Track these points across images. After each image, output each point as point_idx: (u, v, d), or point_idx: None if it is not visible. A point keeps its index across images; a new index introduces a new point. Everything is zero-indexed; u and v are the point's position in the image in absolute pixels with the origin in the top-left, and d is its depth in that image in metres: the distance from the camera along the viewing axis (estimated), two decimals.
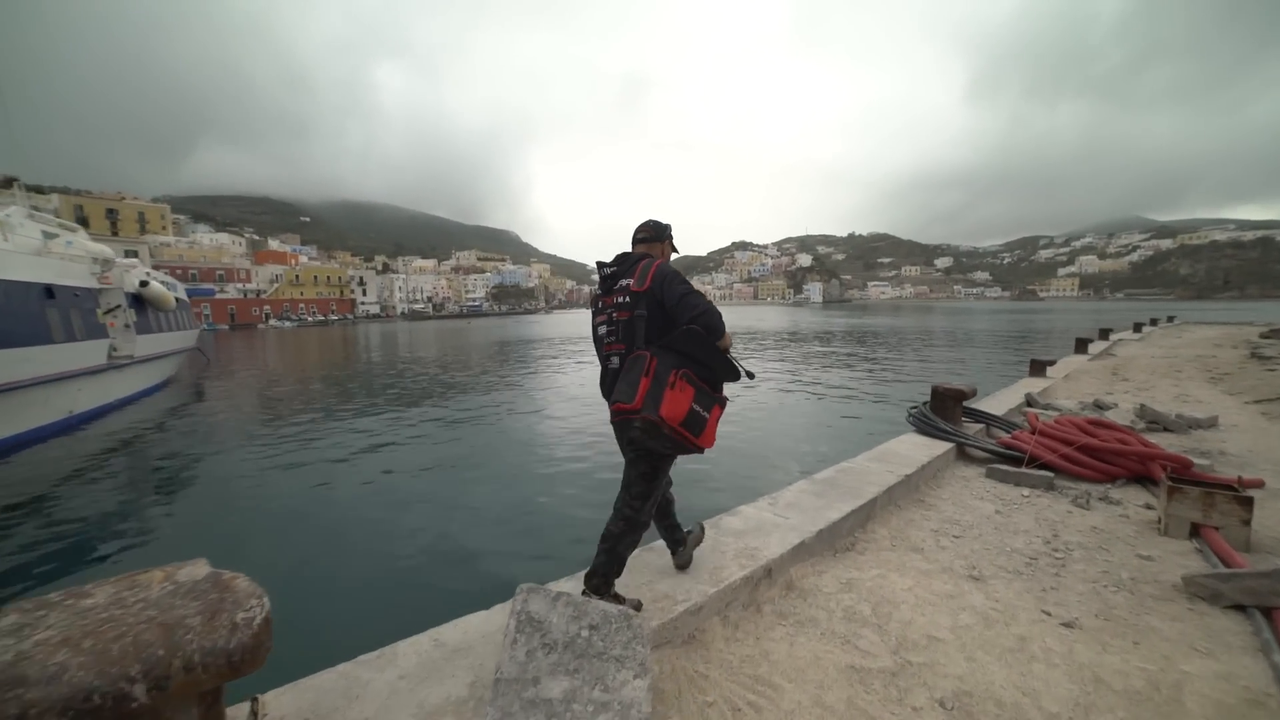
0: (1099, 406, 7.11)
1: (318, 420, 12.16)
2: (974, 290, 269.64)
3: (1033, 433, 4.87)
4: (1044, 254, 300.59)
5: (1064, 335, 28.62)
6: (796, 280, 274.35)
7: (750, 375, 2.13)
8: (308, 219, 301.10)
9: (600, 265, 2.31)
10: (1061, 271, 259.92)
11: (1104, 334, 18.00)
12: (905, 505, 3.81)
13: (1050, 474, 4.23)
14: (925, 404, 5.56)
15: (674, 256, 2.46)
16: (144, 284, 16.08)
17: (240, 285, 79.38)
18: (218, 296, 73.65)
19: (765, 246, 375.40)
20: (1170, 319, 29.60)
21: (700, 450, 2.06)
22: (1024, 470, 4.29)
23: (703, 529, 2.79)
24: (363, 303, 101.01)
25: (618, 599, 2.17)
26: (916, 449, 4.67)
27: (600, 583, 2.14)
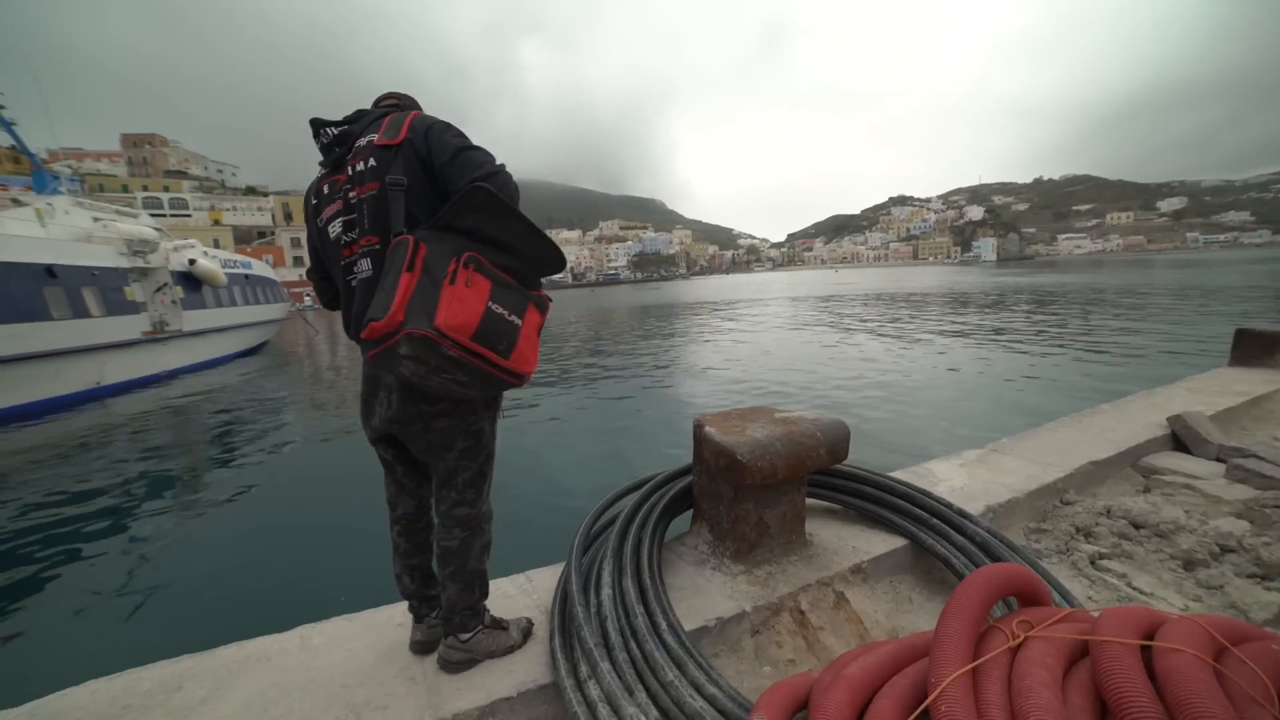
0: None
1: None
2: (1220, 237, 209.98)
3: None
4: None
5: None
6: (965, 237, 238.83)
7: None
8: None
9: (319, 125, 1.37)
10: None
11: None
12: None
13: None
14: (662, 487, 2.36)
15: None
16: (193, 262, 17.17)
17: None
18: None
19: (928, 200, 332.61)
20: None
21: (514, 380, 1.23)
22: None
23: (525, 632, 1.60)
24: None
25: (498, 624, 1.53)
26: None
27: (466, 617, 1.46)
